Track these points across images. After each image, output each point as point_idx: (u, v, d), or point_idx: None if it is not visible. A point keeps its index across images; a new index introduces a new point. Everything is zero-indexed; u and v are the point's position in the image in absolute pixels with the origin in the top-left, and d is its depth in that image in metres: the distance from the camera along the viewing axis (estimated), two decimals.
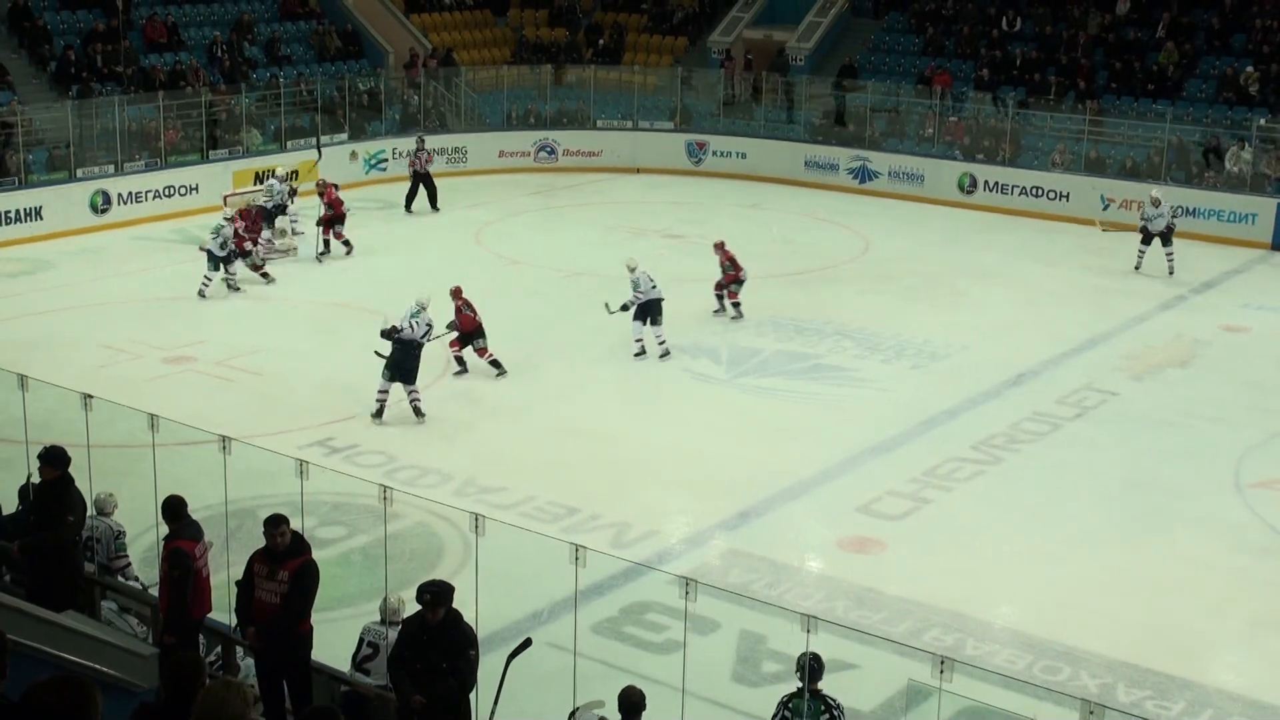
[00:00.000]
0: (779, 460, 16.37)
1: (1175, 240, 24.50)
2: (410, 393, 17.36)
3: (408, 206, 28.69)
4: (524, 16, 38.98)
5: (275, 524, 9.64)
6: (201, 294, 22.19)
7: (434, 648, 9.09)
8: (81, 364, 18.52)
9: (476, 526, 9.69)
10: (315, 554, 9.91)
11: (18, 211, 25.64)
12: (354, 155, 31.18)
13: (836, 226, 28.39)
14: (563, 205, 29.87)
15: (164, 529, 10.37)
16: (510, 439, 16.93)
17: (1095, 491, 15.79)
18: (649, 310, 19.73)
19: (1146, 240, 24.48)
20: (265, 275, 23.45)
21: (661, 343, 19.80)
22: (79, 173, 26.90)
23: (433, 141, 31.54)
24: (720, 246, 21.71)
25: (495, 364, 18.88)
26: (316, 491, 12.05)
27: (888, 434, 17.24)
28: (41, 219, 25.90)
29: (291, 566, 9.58)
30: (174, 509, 10.30)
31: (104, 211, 26.79)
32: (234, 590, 10.03)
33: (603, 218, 28.63)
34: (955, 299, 23.24)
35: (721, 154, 33.21)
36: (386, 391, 17.25)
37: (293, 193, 25.51)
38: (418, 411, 17.34)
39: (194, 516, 10.49)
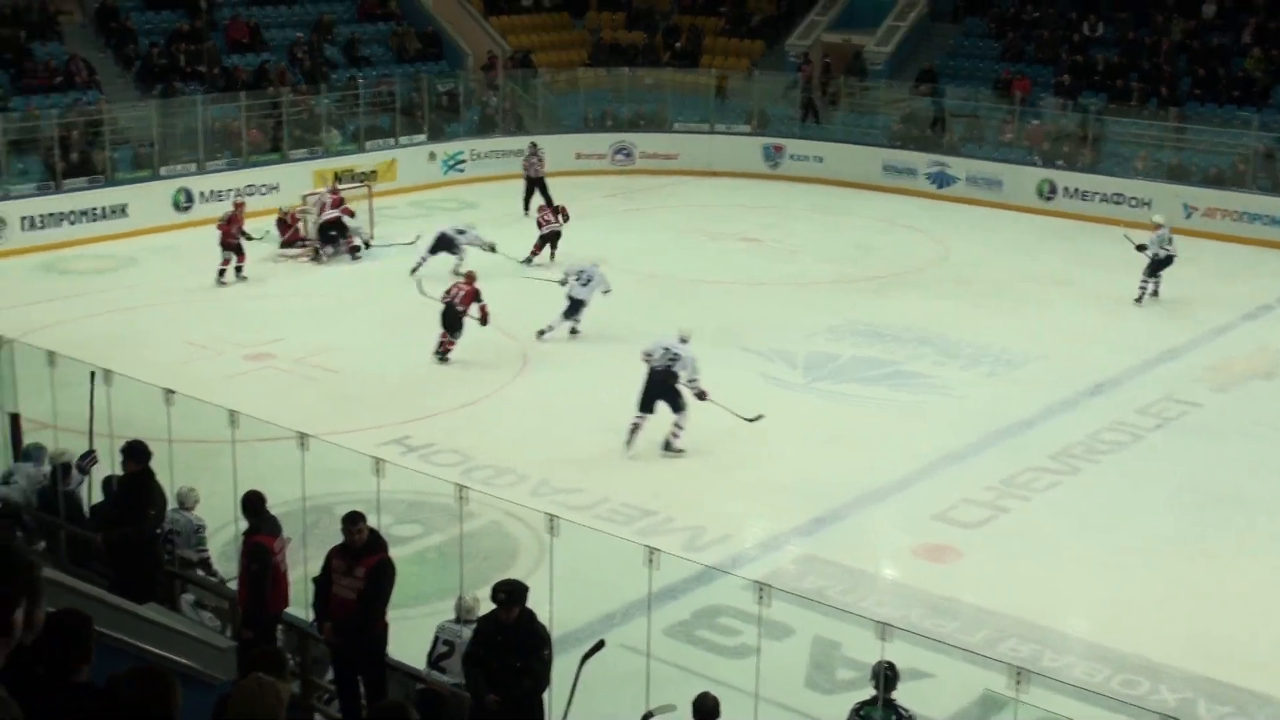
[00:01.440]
0: (855, 466, 16.28)
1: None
2: (674, 423, 16.47)
3: (525, 209, 28.47)
4: (602, 19, 39.06)
5: (353, 521, 9.71)
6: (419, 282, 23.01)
7: (508, 647, 9.11)
8: (164, 360, 18.73)
9: (551, 527, 9.71)
10: (391, 551, 9.97)
11: (103, 209, 26.02)
12: (432, 156, 31.37)
13: (914, 232, 28.21)
14: (638, 208, 29.88)
15: (243, 524, 10.47)
16: (586, 440, 16.93)
17: (1176, 503, 15.58)
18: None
19: (1152, 270, 22.95)
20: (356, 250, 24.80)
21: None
22: (162, 171, 27.26)
23: (511, 143, 31.72)
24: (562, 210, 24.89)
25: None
26: (393, 489, 12.09)
27: (965, 441, 17.10)
28: (126, 216, 26.26)
29: (368, 563, 9.64)
30: (253, 504, 10.41)
31: (186, 209, 27.12)
32: (311, 586, 10.10)
33: (678, 220, 28.60)
34: (1034, 306, 23.00)
35: (799, 158, 33.07)
36: (642, 417, 16.53)
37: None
38: (667, 445, 16.47)
39: (272, 512, 10.60)
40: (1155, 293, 23.10)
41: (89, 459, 12.36)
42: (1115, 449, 17.03)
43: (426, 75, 32.93)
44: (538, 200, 27.59)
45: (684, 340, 16.75)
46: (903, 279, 24.63)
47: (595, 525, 13.17)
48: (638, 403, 16.52)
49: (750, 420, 17.00)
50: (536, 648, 9.17)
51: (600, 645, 9.42)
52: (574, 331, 20.58)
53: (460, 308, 19.30)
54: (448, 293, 19.52)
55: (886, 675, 9.08)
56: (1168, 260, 22.89)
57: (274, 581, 10.17)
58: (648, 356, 16.60)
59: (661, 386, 16.50)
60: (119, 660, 6.16)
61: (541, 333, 20.41)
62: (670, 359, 16.48)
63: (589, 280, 20.43)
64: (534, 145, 29.24)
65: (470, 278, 19.79)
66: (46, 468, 12.22)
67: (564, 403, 18.20)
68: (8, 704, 2.97)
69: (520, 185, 28.83)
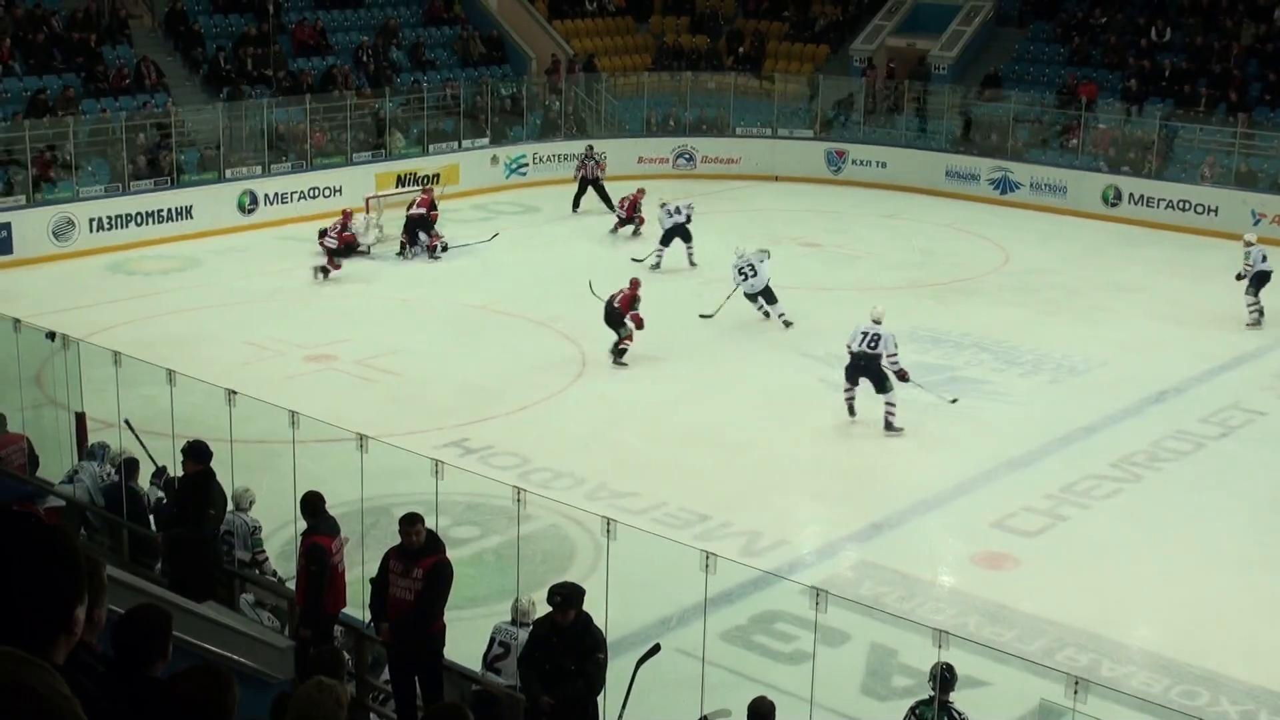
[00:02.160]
0: (913, 472, 16.22)
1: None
2: (885, 403, 17.28)
3: (574, 207, 29.14)
4: (665, 23, 39.10)
5: (411, 522, 9.78)
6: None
7: (563, 649, 9.15)
8: (226, 360, 18.93)
9: (608, 531, 9.74)
10: (449, 553, 10.03)
11: (170, 210, 26.33)
12: (495, 160, 31.49)
13: (976, 237, 28.06)
14: (700, 212, 29.69)
15: (302, 524, 10.57)
16: (643, 444, 16.97)
17: (1239, 512, 15.41)
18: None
19: (1255, 288, 22.09)
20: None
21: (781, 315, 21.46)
22: (228, 173, 27.54)
23: (573, 147, 31.81)
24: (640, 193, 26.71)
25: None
26: (451, 491, 12.19)
27: (1024, 449, 16.99)
28: (191, 218, 26.55)
29: (426, 564, 9.70)
30: (312, 505, 10.51)
31: (251, 211, 27.40)
32: (369, 587, 10.18)
33: (740, 225, 28.50)
34: (1097, 313, 22.81)
35: (861, 163, 32.96)
36: (849, 389, 17.45)
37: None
38: (888, 425, 17.24)
39: (331, 513, 10.68)
40: (1254, 313, 22.15)
41: (162, 475, 12.49)
42: (1178, 457, 16.87)
43: (490, 79, 33.11)
44: (589, 201, 28.71)
45: (877, 321, 17.38)
46: (965, 285, 24.50)
47: (652, 529, 13.19)
48: (845, 378, 17.43)
49: (951, 401, 17.70)
50: (591, 651, 9.20)
51: (656, 649, 9.45)
52: (785, 322, 21.38)
53: (618, 308, 19.55)
54: (617, 295, 19.84)
55: (944, 676, 9.09)
56: (1265, 276, 22.06)
57: (331, 582, 10.26)
58: (851, 345, 17.30)
59: (864, 370, 17.27)
60: (177, 658, 6.25)
61: (766, 314, 21.62)
62: (871, 342, 17.12)
63: (754, 273, 21.25)
64: (591, 148, 29.74)
65: (634, 284, 19.94)
66: (110, 467, 12.39)
67: (622, 406, 18.24)
68: (69, 700, 3.02)
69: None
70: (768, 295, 21.29)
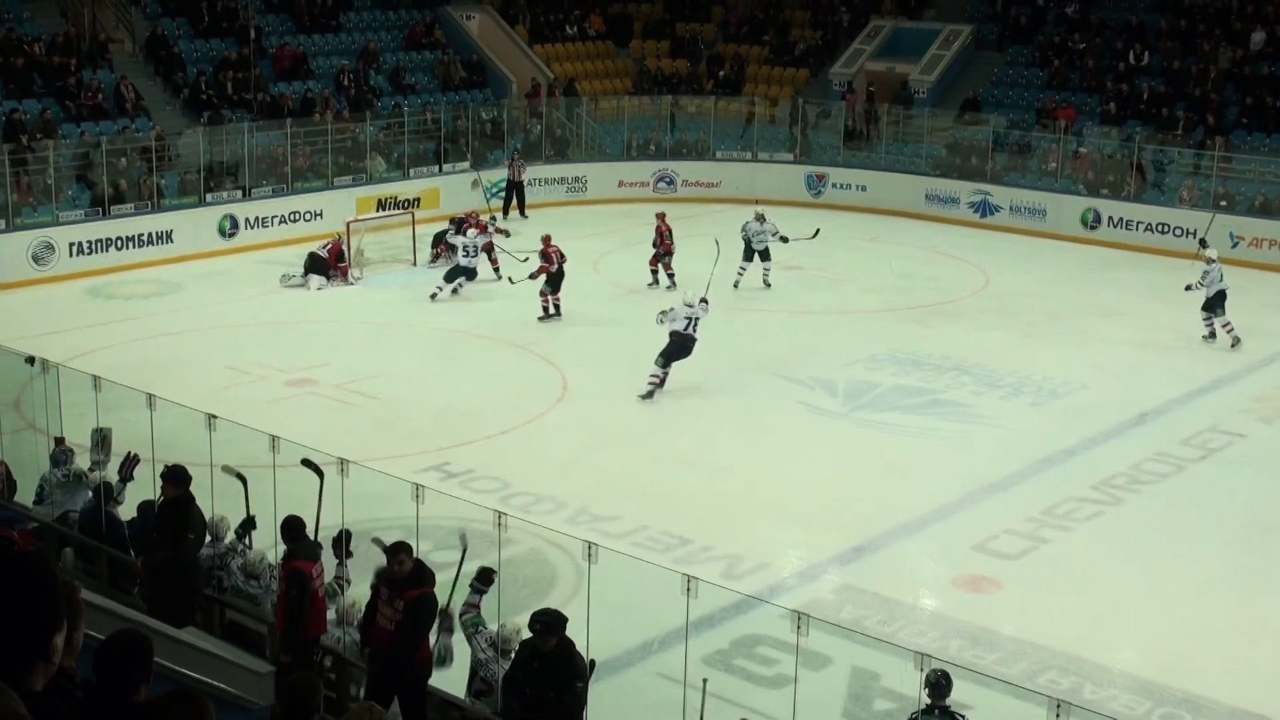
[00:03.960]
0: (894, 496, 16.21)
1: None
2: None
3: (505, 213, 30.35)
4: (646, 47, 39.19)
5: (395, 552, 9.74)
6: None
7: (543, 676, 9.12)
8: (207, 384, 18.87)
9: (589, 555, 9.72)
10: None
11: (150, 235, 26.27)
12: (475, 183, 31.49)
13: (956, 260, 28.12)
14: (681, 235, 29.80)
15: (282, 548, 10.52)
16: (624, 467, 16.94)
17: (1220, 534, 15.44)
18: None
19: (1208, 306, 22.34)
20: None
21: None
22: (208, 198, 27.48)
23: (554, 170, 31.97)
24: (661, 217, 25.63)
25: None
26: (432, 516, 12.14)
27: (1005, 472, 17.01)
28: (172, 242, 26.49)
29: (409, 596, 9.66)
30: (293, 529, 10.46)
31: (231, 235, 27.35)
32: (346, 610, 10.14)
33: (723, 248, 28.52)
34: (1077, 336, 22.87)
35: (842, 186, 33.04)
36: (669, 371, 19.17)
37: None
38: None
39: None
40: (1232, 334, 22.13)
41: (250, 526, 12.10)
42: (1158, 479, 16.90)
43: (470, 103, 33.14)
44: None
45: (690, 304, 19.28)
46: (945, 308, 24.55)
47: (633, 553, 13.16)
48: (667, 360, 19.12)
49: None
50: (570, 680, 9.17)
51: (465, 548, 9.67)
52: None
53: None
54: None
55: (938, 682, 9.12)
56: (1224, 294, 22.07)
57: (312, 607, 10.21)
58: (686, 329, 19.11)
59: (688, 350, 19.22)
60: (156, 684, 6.22)
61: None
62: (696, 324, 19.24)
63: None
64: (517, 151, 31.53)
65: (547, 240, 23.06)
66: (69, 467, 12.41)
67: (603, 430, 18.21)
68: None
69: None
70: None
